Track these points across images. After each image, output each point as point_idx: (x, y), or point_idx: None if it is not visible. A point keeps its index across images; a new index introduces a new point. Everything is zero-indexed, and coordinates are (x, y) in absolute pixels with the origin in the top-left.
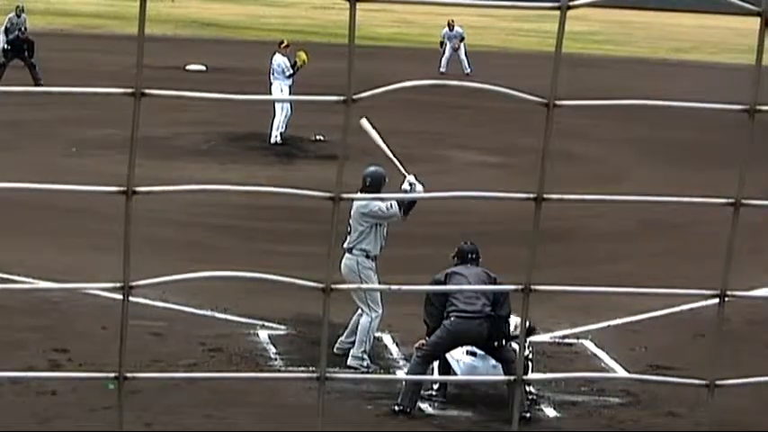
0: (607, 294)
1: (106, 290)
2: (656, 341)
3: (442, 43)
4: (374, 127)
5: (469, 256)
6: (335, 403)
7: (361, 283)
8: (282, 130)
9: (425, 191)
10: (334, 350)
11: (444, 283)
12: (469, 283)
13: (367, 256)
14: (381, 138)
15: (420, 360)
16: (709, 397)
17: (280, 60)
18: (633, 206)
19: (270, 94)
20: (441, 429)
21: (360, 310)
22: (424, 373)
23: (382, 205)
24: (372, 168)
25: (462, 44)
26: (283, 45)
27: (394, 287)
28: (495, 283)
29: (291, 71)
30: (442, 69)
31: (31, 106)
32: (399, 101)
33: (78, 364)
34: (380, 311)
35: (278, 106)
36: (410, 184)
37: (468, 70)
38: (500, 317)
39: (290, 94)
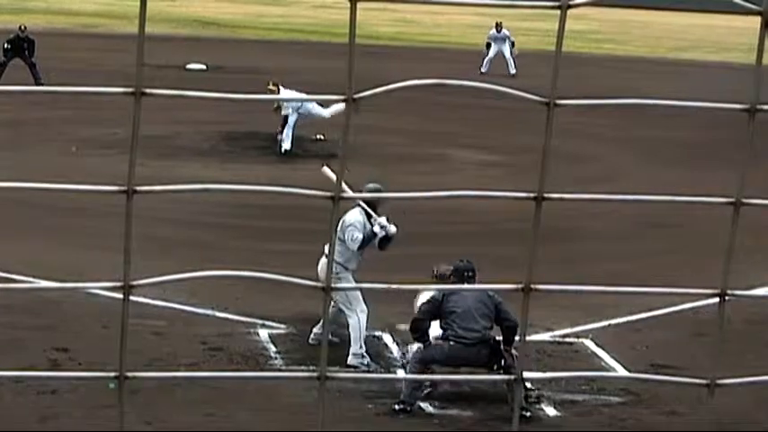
0: (607, 293)
1: (106, 289)
2: (656, 340)
3: (488, 45)
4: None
5: (466, 274)
6: (336, 402)
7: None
8: (292, 133)
9: (426, 191)
10: (309, 341)
11: (441, 301)
12: (468, 305)
13: (345, 269)
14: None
15: (417, 366)
16: (709, 396)
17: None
18: (633, 205)
19: (283, 127)
20: (441, 428)
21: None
22: (423, 373)
23: (350, 236)
24: (372, 185)
25: (511, 47)
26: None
27: (394, 286)
28: (497, 305)
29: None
30: (483, 70)
31: (31, 106)
32: (400, 100)
33: (79, 363)
34: (364, 307)
35: (290, 113)
36: (381, 226)
37: (514, 71)
38: (508, 328)
39: (294, 125)
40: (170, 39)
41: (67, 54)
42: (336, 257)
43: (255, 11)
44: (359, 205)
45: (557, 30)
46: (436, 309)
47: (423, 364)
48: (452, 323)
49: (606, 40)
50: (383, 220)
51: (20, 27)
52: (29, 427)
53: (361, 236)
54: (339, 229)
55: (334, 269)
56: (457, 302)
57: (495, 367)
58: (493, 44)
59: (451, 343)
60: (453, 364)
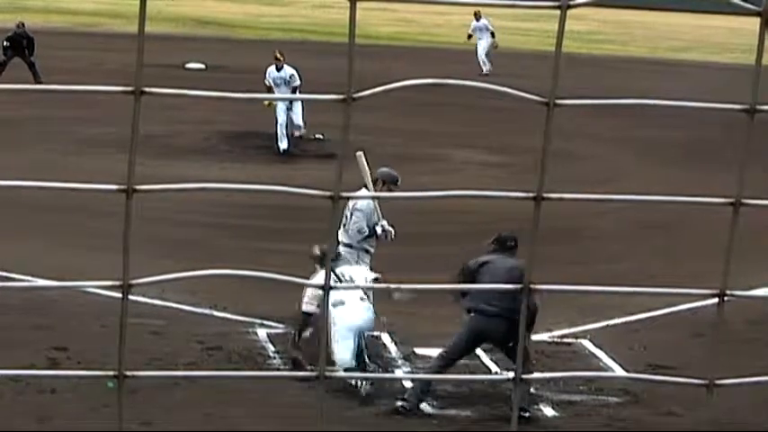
0: (606, 294)
1: (105, 288)
2: (655, 340)
3: (469, 36)
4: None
5: (508, 243)
6: (334, 402)
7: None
8: (286, 130)
9: (426, 191)
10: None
11: (476, 270)
12: (494, 280)
13: (366, 252)
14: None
15: (440, 363)
16: (708, 396)
17: (289, 71)
18: (632, 205)
19: (275, 104)
20: (439, 429)
21: None
22: (442, 371)
23: (355, 226)
24: (386, 169)
25: (491, 37)
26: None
27: (393, 285)
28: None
29: (299, 81)
30: (484, 70)
31: (30, 104)
32: (399, 100)
33: (78, 363)
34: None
35: (279, 111)
36: (384, 230)
37: (487, 69)
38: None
39: (290, 102)
40: (169, 38)
41: (67, 53)
42: (352, 242)
43: (255, 11)
44: (365, 188)
45: (556, 30)
46: (471, 274)
47: (446, 362)
48: (476, 295)
49: (606, 40)
50: (385, 223)
51: (17, 24)
52: (28, 426)
53: (366, 228)
54: (348, 210)
55: (353, 256)
56: (485, 275)
57: (512, 344)
58: (476, 36)
59: (473, 315)
60: (476, 341)
